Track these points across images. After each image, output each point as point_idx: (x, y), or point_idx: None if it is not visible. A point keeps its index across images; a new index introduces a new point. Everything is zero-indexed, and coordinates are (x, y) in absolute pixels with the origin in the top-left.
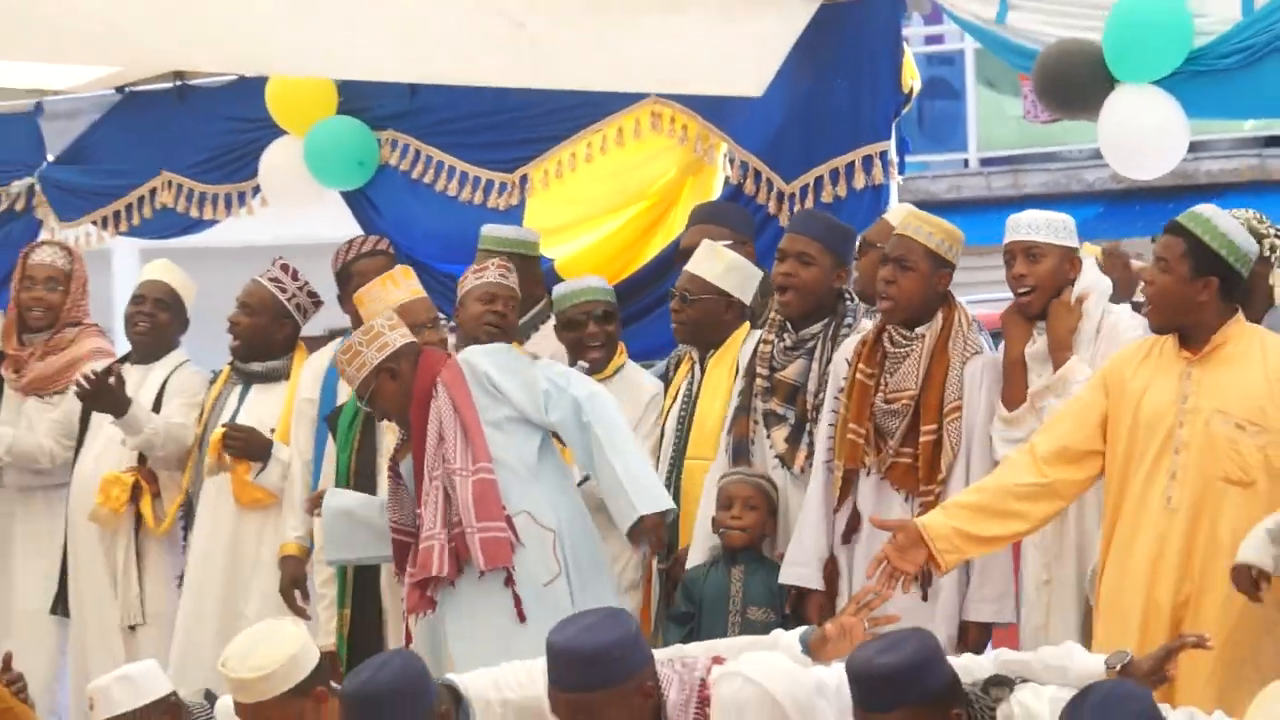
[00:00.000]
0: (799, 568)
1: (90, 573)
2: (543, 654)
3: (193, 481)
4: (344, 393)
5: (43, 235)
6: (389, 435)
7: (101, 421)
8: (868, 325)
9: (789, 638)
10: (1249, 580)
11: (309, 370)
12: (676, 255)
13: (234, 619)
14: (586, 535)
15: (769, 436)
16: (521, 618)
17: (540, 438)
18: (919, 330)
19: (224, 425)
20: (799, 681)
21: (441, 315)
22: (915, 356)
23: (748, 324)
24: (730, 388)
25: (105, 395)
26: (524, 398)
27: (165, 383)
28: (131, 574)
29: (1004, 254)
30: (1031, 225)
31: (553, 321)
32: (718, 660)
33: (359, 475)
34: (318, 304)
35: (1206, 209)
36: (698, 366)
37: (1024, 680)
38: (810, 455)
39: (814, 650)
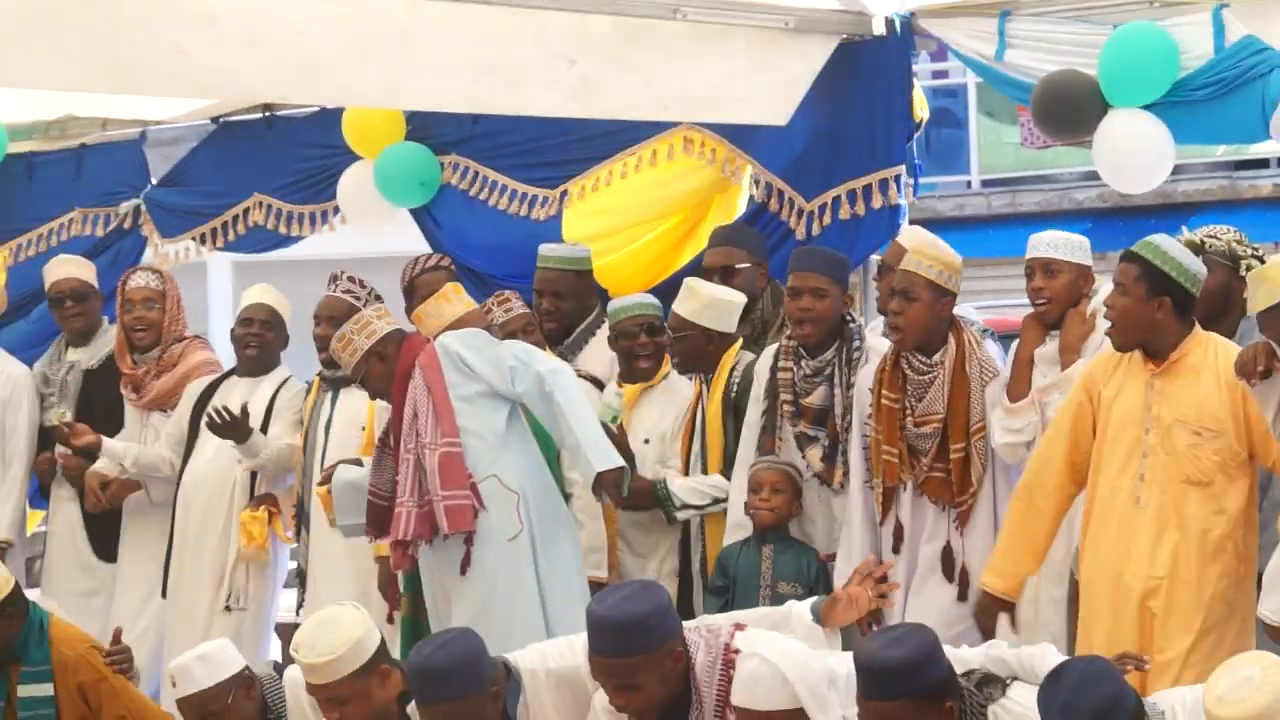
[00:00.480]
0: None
1: (195, 563)
2: (486, 601)
3: (303, 487)
4: None
5: (147, 251)
6: None
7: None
8: (873, 341)
9: (800, 607)
10: None
11: None
12: (699, 272)
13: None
14: (548, 495)
15: (804, 456)
16: (463, 570)
17: (508, 409)
18: (936, 357)
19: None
20: (811, 667)
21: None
22: (939, 382)
23: (737, 344)
24: (721, 402)
25: (235, 428)
26: (492, 373)
27: (274, 398)
28: (240, 565)
29: (1025, 268)
30: (1051, 244)
31: (605, 331)
32: (739, 626)
33: None
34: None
35: (1157, 238)
36: (705, 387)
37: (1015, 679)
38: (846, 472)
39: (824, 617)
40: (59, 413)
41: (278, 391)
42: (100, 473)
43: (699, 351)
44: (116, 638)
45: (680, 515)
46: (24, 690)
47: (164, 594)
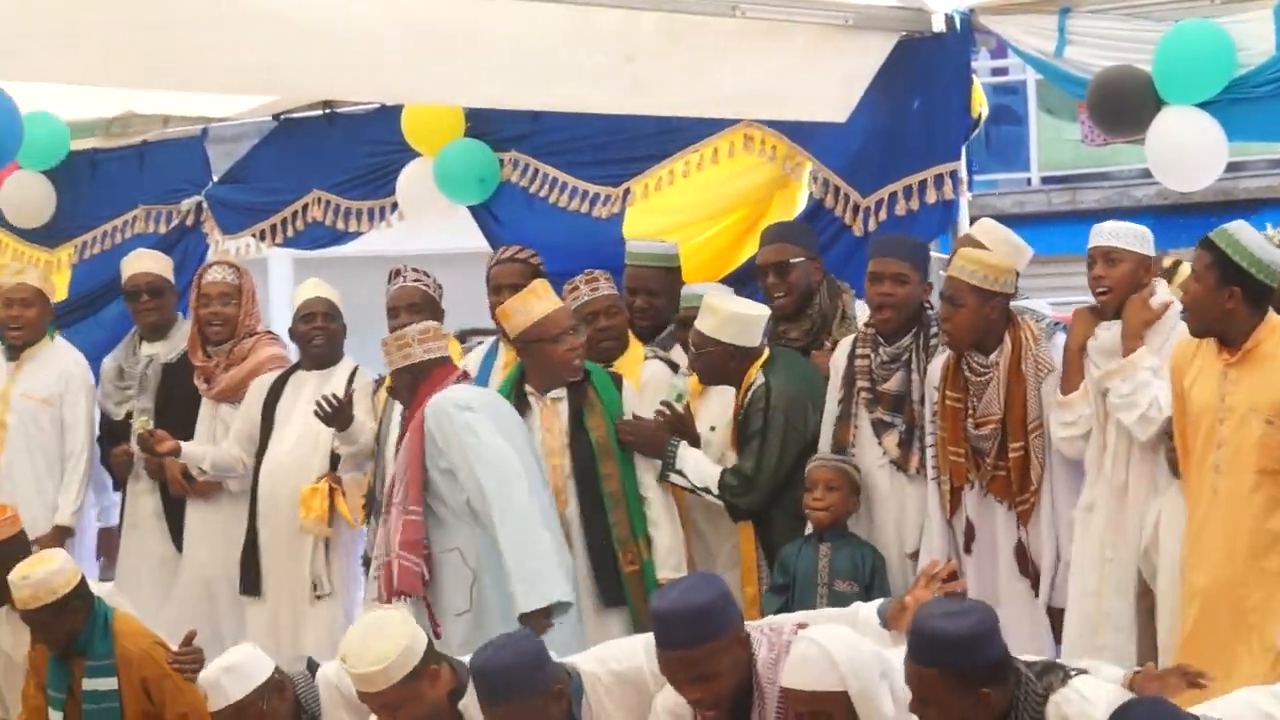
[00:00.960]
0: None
1: (284, 557)
2: None
3: (375, 475)
4: (494, 381)
5: (209, 248)
6: (534, 414)
7: (285, 422)
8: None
9: (868, 609)
10: None
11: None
12: (753, 271)
13: None
14: (499, 580)
15: (880, 443)
16: (437, 636)
17: None
18: (992, 358)
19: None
20: (862, 653)
21: None
22: (995, 383)
23: (760, 360)
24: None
25: (340, 415)
26: (456, 458)
27: (349, 387)
28: (320, 552)
29: (1087, 257)
30: (1113, 233)
31: None
32: (802, 626)
33: None
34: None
35: (1233, 226)
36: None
37: (1080, 671)
38: (922, 459)
39: (891, 620)
40: (142, 422)
41: (351, 380)
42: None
43: (722, 367)
44: (189, 639)
45: (671, 478)
46: (88, 684)
47: (246, 589)
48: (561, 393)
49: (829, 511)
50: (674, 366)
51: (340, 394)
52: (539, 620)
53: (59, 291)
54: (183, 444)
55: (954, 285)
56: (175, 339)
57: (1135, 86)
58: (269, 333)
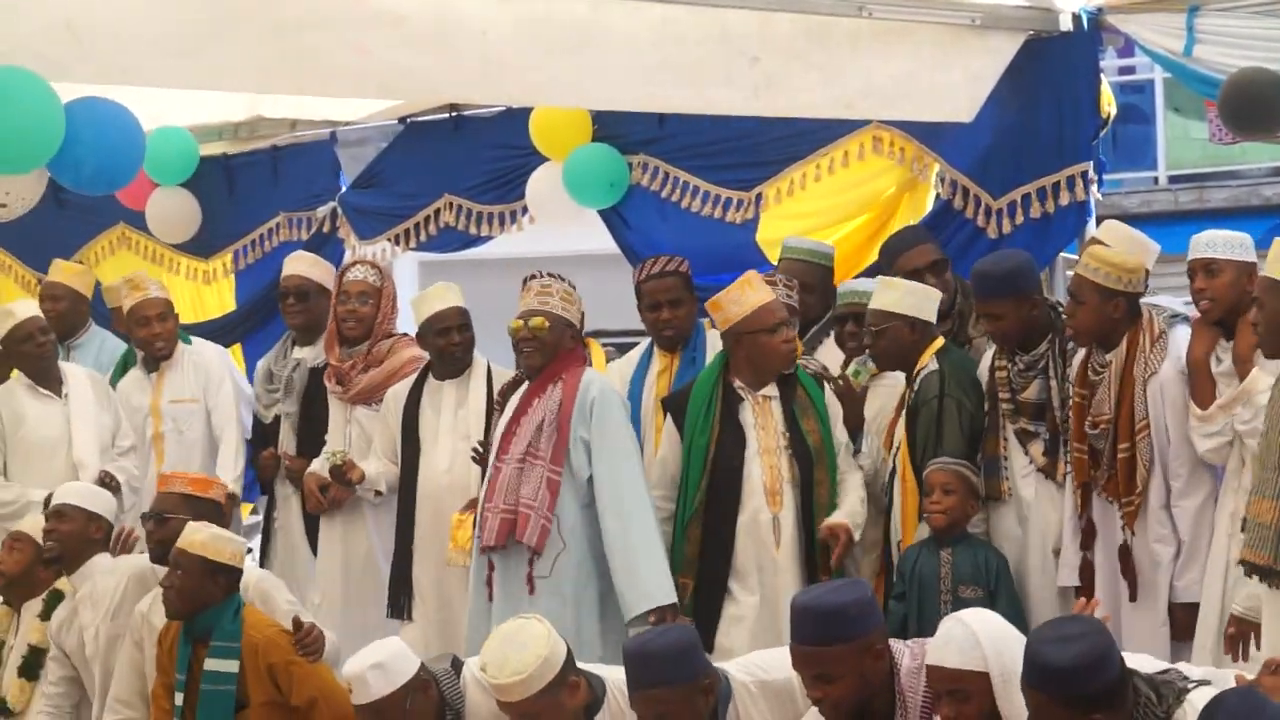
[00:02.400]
0: (1066, 569)
1: (429, 576)
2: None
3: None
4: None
5: (346, 254)
6: (746, 409)
7: (432, 441)
8: None
9: None
10: None
11: (615, 373)
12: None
13: None
14: (583, 558)
15: (1027, 452)
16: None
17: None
18: (1108, 357)
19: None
20: (1009, 639)
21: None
22: (1107, 383)
23: (935, 344)
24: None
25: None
26: (598, 436)
27: (489, 388)
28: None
29: (1187, 270)
30: (1210, 244)
31: None
32: None
33: (717, 461)
34: None
35: None
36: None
37: (1200, 683)
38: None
39: None
40: (340, 453)
41: (490, 381)
42: (318, 474)
43: (905, 343)
44: (296, 624)
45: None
46: (210, 664)
47: (395, 613)
48: (774, 390)
49: (946, 514)
50: (822, 379)
51: (482, 402)
52: (640, 622)
53: (227, 303)
54: (365, 471)
55: (1077, 282)
56: (323, 344)
57: (1270, 86)
58: (406, 335)
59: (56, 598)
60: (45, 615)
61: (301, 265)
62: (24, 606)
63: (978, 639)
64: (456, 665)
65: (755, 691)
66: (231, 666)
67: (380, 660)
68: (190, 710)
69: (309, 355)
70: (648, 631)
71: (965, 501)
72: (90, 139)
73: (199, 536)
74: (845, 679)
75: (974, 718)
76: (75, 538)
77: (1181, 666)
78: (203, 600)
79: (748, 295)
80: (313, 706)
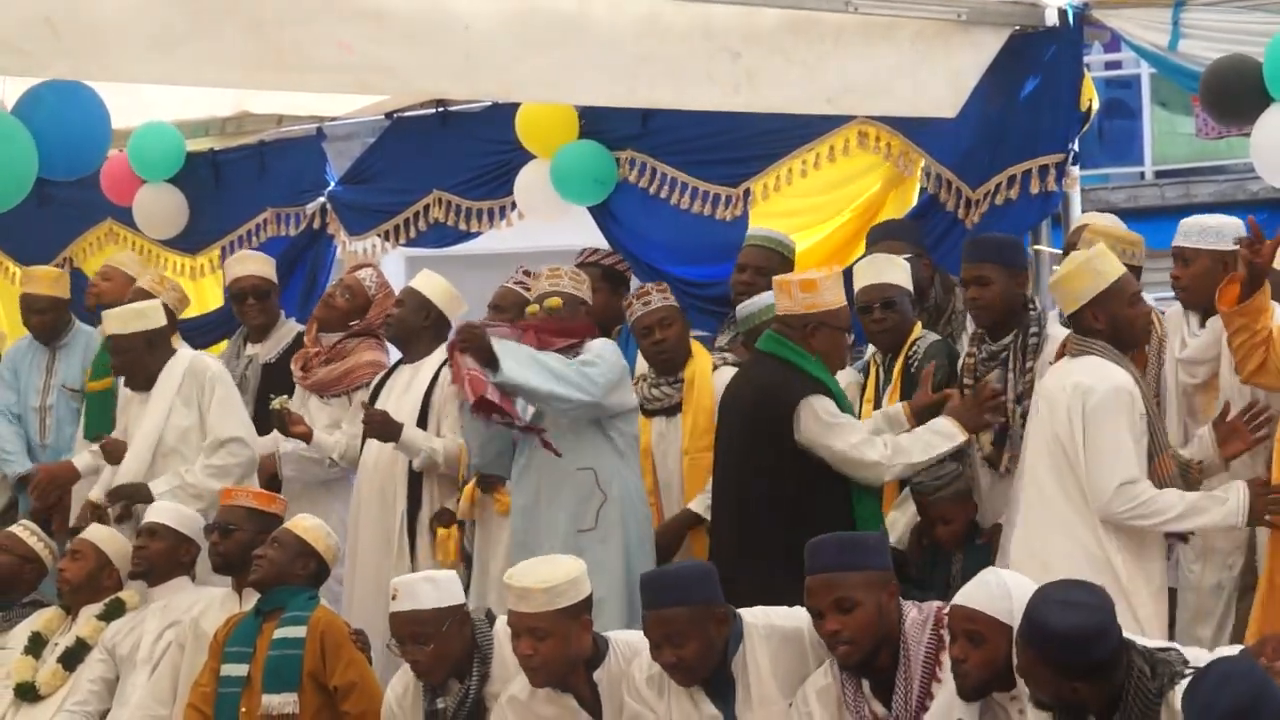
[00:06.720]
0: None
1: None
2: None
3: None
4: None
5: (336, 249)
6: None
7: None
8: (1052, 329)
9: None
10: None
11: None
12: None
13: None
14: (626, 514)
15: (977, 440)
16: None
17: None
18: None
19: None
20: None
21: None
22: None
23: (919, 324)
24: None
25: (386, 427)
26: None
27: (433, 383)
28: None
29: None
30: (1185, 232)
31: None
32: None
33: None
34: None
35: None
36: (881, 370)
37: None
38: (1014, 456)
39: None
40: (281, 400)
41: (438, 373)
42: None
43: (911, 317)
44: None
45: None
46: (280, 632)
47: None
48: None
49: (956, 538)
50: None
51: (426, 387)
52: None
53: (215, 299)
54: (316, 433)
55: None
56: (276, 338)
57: (1249, 75)
58: (376, 338)
59: (117, 605)
60: (104, 617)
61: (254, 265)
62: (83, 609)
63: (1010, 593)
64: (490, 616)
65: (764, 633)
66: (300, 633)
67: (435, 577)
68: (252, 682)
69: (261, 352)
70: (666, 567)
71: (968, 513)
72: (42, 126)
73: (306, 523)
74: (864, 607)
75: (981, 664)
76: (164, 556)
77: (1185, 651)
78: (285, 576)
79: (838, 289)
80: (351, 689)
